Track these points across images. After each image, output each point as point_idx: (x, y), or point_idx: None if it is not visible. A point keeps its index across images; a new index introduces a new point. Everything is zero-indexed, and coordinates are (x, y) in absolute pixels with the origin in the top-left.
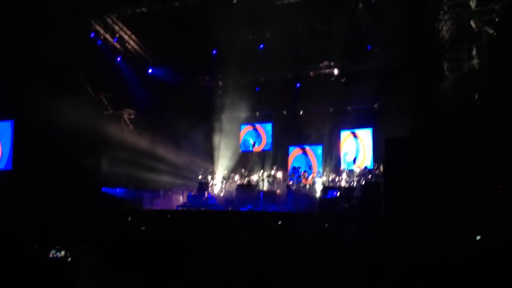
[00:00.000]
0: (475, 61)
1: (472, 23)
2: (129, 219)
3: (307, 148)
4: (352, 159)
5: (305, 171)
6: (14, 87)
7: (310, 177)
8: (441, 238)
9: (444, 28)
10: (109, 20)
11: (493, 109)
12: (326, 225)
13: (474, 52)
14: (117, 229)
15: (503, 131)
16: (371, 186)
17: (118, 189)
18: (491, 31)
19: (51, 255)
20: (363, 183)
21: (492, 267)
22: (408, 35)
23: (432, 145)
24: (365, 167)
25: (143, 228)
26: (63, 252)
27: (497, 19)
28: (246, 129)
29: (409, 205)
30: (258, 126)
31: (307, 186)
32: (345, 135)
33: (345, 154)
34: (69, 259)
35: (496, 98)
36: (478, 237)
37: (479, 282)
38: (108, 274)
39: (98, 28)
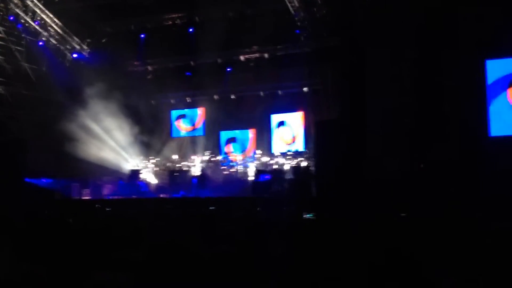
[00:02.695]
0: None
1: None
2: (54, 208)
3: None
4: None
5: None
6: None
7: (240, 157)
8: (368, 216)
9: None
10: (29, 2)
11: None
12: (258, 208)
13: None
14: (39, 218)
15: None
16: (302, 168)
17: (43, 179)
18: None
19: None
20: (294, 166)
21: (417, 244)
22: (331, 19)
23: (360, 127)
24: (296, 150)
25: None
26: None
27: None
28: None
29: (338, 186)
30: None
31: (239, 169)
32: (277, 119)
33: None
34: None
35: (422, 81)
36: (402, 214)
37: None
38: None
39: (18, 10)
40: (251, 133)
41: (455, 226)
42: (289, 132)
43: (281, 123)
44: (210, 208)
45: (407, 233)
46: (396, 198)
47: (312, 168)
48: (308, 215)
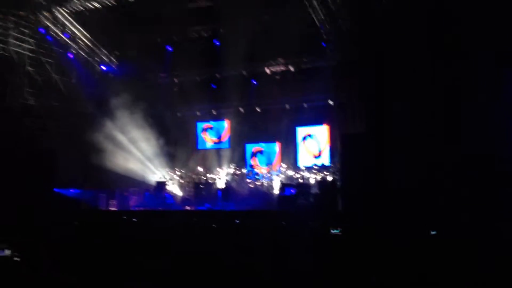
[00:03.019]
0: None
1: None
2: (83, 220)
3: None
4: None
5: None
6: None
7: (266, 171)
8: (396, 232)
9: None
10: (59, 15)
11: (447, 102)
12: (284, 222)
13: None
14: (71, 229)
15: (454, 124)
16: (327, 182)
17: (72, 190)
18: None
19: None
20: (320, 180)
21: (447, 261)
22: (359, 32)
23: (387, 141)
24: (322, 164)
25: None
26: (7, 252)
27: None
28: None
29: (365, 201)
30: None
31: (265, 183)
32: (303, 132)
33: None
34: (15, 258)
35: (448, 93)
36: (432, 232)
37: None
38: (58, 273)
39: (48, 23)
40: (277, 146)
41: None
42: (316, 145)
43: (307, 136)
44: (236, 221)
45: (437, 252)
46: (425, 214)
47: (338, 182)
48: (335, 231)
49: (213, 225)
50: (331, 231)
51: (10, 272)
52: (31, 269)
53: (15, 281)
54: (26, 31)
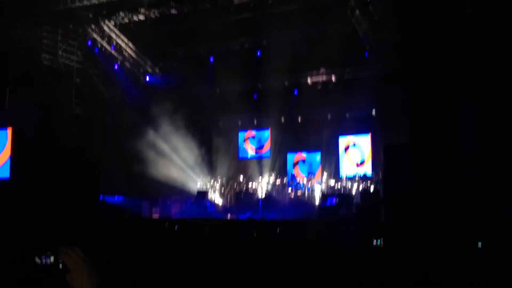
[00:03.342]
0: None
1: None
2: (128, 226)
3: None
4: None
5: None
6: (11, 96)
7: (309, 183)
8: (439, 244)
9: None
10: (106, 28)
11: (491, 113)
12: (325, 232)
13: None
14: (116, 236)
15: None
16: (370, 193)
17: (116, 197)
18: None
19: (40, 261)
20: (362, 190)
21: (493, 274)
22: (404, 42)
23: (430, 151)
24: (364, 174)
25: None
26: (52, 258)
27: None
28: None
29: (409, 211)
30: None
31: (306, 194)
32: (345, 142)
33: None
34: (60, 265)
35: (492, 103)
36: (479, 244)
37: None
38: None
39: (95, 36)
40: (319, 156)
41: None
42: (358, 154)
43: (350, 146)
44: (276, 231)
45: (488, 266)
46: (470, 227)
47: (381, 193)
48: (377, 242)
49: (254, 234)
50: (373, 242)
51: (55, 280)
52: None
53: None
54: (74, 43)
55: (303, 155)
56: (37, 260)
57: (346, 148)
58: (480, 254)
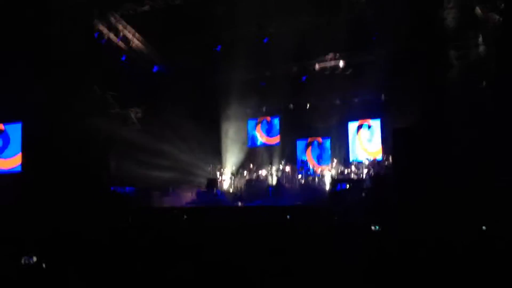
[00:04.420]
0: (482, 48)
1: (477, 10)
2: (137, 216)
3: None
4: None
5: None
6: (22, 89)
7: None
8: (449, 228)
9: (449, 16)
10: (112, 19)
11: (501, 96)
12: (336, 218)
13: (480, 39)
14: (126, 226)
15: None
16: (380, 177)
17: (127, 188)
18: (497, 18)
19: (23, 262)
20: (372, 175)
21: (497, 257)
22: (413, 24)
23: (440, 134)
24: (374, 159)
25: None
26: (35, 258)
27: (502, 5)
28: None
29: (420, 195)
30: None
31: (316, 179)
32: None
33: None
34: (44, 265)
35: (504, 85)
36: (484, 227)
37: (487, 272)
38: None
39: (101, 27)
40: (328, 142)
41: None
42: (369, 136)
43: (362, 125)
44: (287, 217)
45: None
46: (478, 211)
47: (391, 178)
48: (376, 227)
49: (263, 221)
50: (372, 227)
51: (37, 280)
52: (59, 275)
53: None
54: (81, 34)
55: (319, 138)
56: (22, 260)
57: (359, 128)
58: (484, 237)
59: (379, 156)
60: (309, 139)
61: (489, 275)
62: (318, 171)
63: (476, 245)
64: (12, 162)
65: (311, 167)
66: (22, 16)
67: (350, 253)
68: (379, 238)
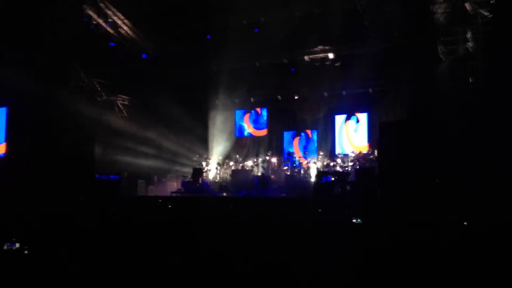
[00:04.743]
0: (470, 44)
1: (467, 5)
2: (123, 205)
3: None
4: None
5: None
6: (7, 74)
7: (304, 159)
8: (433, 223)
9: (439, 10)
10: (102, 5)
11: (488, 92)
12: (320, 210)
13: (469, 35)
14: (110, 215)
15: (497, 115)
16: (365, 170)
17: (111, 176)
18: (487, 14)
19: (5, 247)
20: (357, 168)
21: (480, 252)
22: (403, 19)
23: (426, 128)
24: (360, 152)
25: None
26: (17, 245)
27: (492, 1)
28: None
29: (404, 189)
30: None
31: (302, 171)
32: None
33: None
34: (26, 251)
35: (491, 81)
36: (465, 223)
37: (470, 267)
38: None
39: (90, 13)
40: (315, 134)
41: None
42: (356, 128)
43: (348, 119)
44: (271, 209)
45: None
46: (463, 205)
47: (376, 171)
48: (357, 220)
49: (248, 212)
50: (353, 220)
51: (19, 266)
52: (42, 262)
53: (23, 275)
54: (70, 20)
55: (307, 130)
56: (4, 246)
57: (346, 120)
58: (466, 232)
59: (365, 150)
60: (297, 131)
61: (472, 270)
62: (304, 163)
63: (459, 240)
64: None
65: (297, 159)
66: (10, 1)
67: (334, 245)
68: (361, 231)
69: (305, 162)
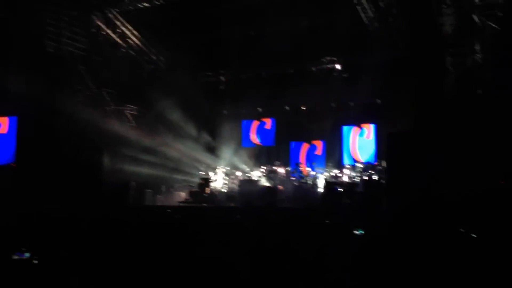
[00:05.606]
0: (478, 56)
1: (475, 17)
2: (131, 214)
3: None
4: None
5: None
6: (17, 83)
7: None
8: (440, 235)
9: (447, 22)
10: (110, 15)
11: (496, 104)
12: (328, 221)
13: (477, 47)
14: (118, 224)
15: (506, 126)
16: (373, 182)
17: (119, 185)
18: (494, 26)
19: (15, 257)
20: (365, 179)
21: (488, 265)
22: (410, 30)
23: (434, 140)
24: (367, 162)
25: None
26: (27, 254)
27: (500, 14)
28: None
29: (412, 201)
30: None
31: (309, 182)
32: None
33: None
34: (35, 261)
35: (499, 93)
36: (473, 235)
37: (477, 279)
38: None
39: (99, 23)
40: (321, 145)
41: None
42: (364, 139)
43: (355, 130)
44: (280, 219)
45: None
46: (471, 218)
47: (383, 182)
48: (359, 231)
49: (257, 222)
50: (354, 231)
51: (28, 275)
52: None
53: (33, 284)
54: (78, 30)
55: (314, 141)
56: (14, 256)
57: (354, 131)
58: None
59: (372, 160)
60: (304, 142)
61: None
62: (312, 174)
63: (463, 251)
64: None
65: (302, 171)
66: (19, 10)
67: (341, 255)
68: (365, 242)
69: (310, 172)
